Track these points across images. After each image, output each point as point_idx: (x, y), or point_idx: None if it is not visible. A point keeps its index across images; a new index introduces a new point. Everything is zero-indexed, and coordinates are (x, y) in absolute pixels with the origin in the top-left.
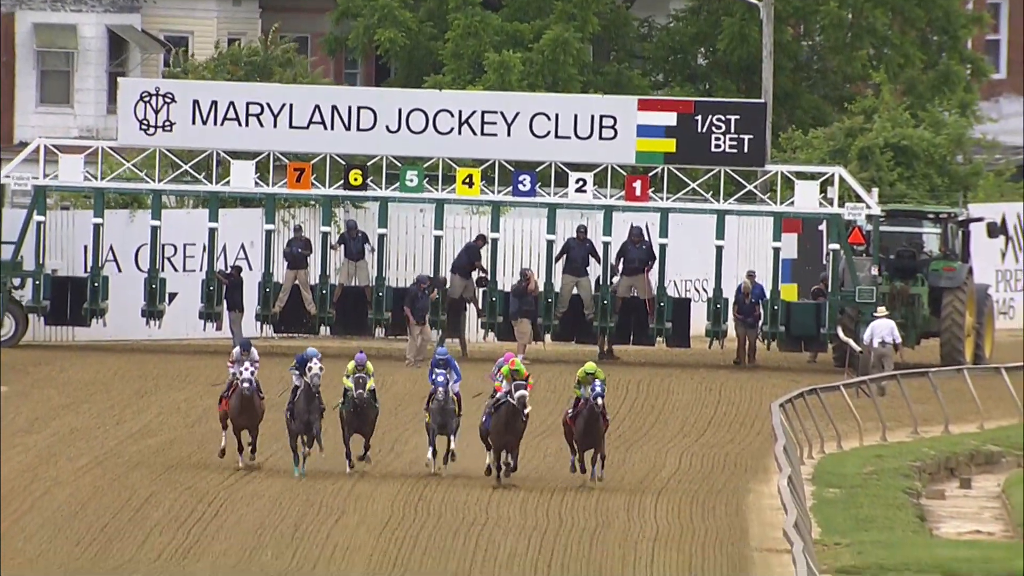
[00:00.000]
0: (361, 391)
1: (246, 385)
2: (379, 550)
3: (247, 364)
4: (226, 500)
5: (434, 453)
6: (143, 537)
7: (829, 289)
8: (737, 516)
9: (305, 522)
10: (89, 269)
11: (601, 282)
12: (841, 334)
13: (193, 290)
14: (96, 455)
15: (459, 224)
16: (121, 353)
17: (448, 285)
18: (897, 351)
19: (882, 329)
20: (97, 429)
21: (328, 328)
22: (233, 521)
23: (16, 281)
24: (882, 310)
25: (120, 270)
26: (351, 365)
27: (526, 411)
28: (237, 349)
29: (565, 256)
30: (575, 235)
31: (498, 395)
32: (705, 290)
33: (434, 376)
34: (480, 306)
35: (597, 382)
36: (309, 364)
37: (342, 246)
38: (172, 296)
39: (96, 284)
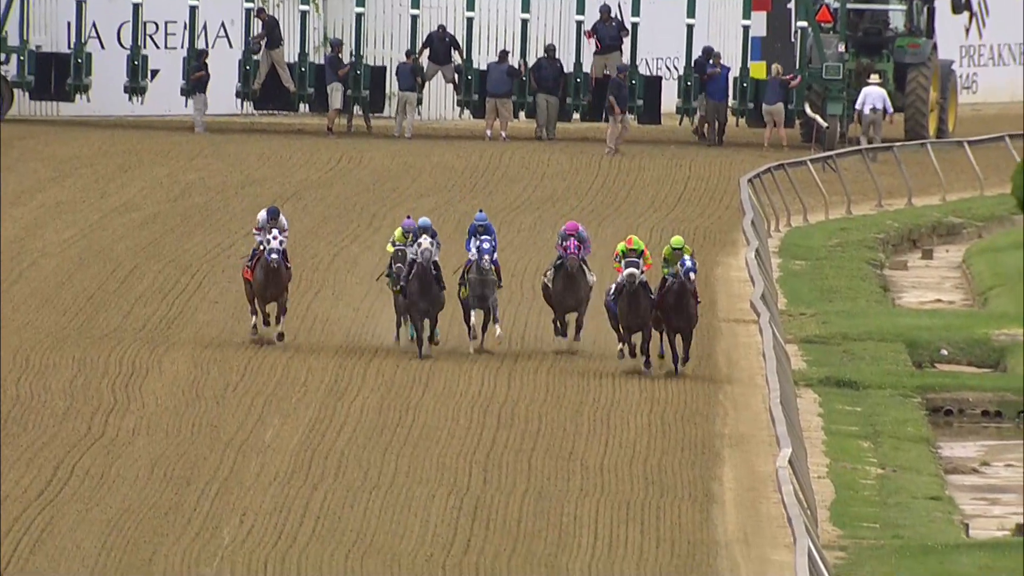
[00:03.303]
0: (400, 266)
1: (273, 256)
2: (363, 311)
3: (275, 232)
4: (208, 273)
5: (471, 331)
6: (128, 307)
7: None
8: (706, 287)
9: (288, 293)
10: (72, 45)
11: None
12: (808, 110)
13: (175, 67)
14: (81, 228)
15: (435, 4)
16: (104, 128)
17: (425, 71)
18: (887, 118)
19: (874, 96)
20: (82, 203)
21: (307, 105)
22: (216, 293)
23: (1, 57)
24: (875, 77)
25: (103, 47)
26: (397, 232)
27: (652, 295)
28: (264, 214)
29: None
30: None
31: (620, 277)
32: (676, 68)
33: (476, 243)
34: (456, 84)
35: (687, 257)
36: (420, 240)
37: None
38: (154, 73)
39: (80, 60)
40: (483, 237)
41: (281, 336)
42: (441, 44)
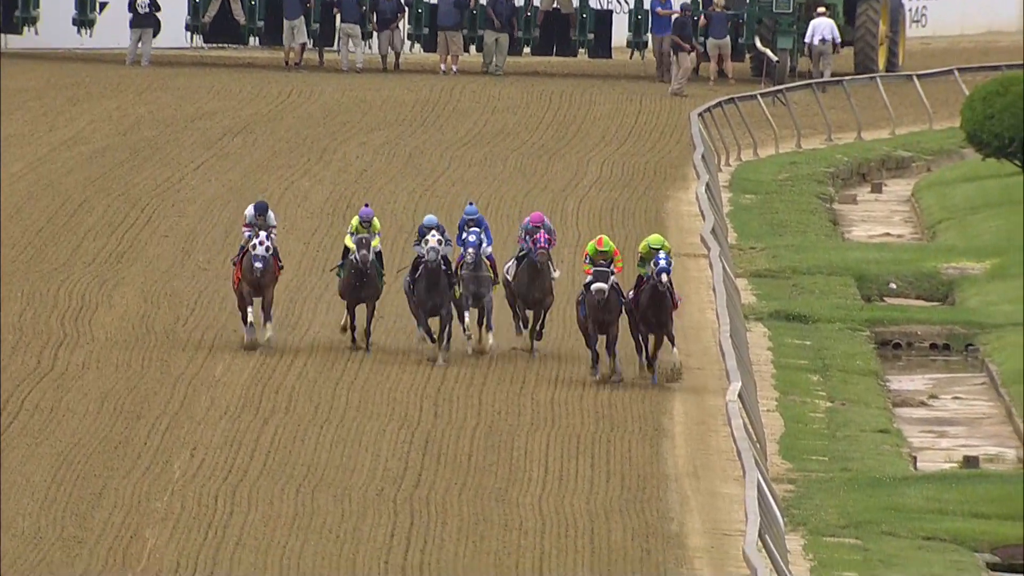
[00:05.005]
0: (365, 252)
1: (258, 265)
2: (313, 245)
3: (263, 235)
4: (158, 207)
5: (465, 330)
6: (77, 241)
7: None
8: (656, 222)
9: (236, 228)
10: None
11: None
12: (758, 44)
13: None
14: (30, 161)
15: None
16: (53, 61)
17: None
18: (836, 50)
19: (822, 27)
20: (30, 136)
21: (257, 39)
22: (166, 227)
23: None
24: (822, 9)
25: None
26: (355, 221)
27: (623, 298)
28: (251, 210)
29: None
30: None
31: (587, 279)
32: (626, 2)
33: (463, 237)
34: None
35: (662, 255)
36: (427, 237)
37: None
38: (103, 5)
39: None
40: (472, 230)
41: (265, 324)
42: (388, 4)
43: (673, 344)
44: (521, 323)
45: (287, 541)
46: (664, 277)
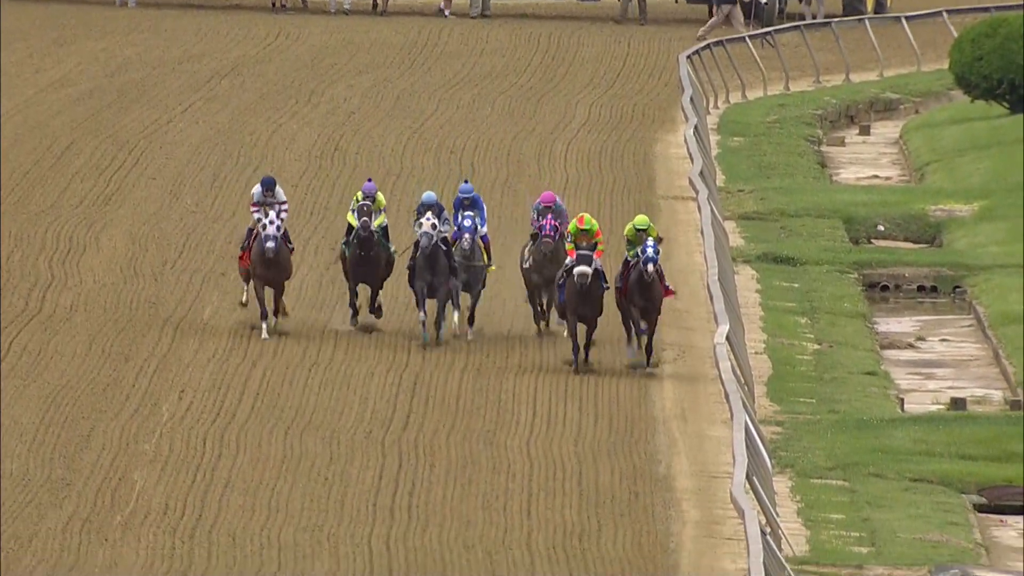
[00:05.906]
0: (366, 219)
1: (270, 245)
2: (301, 187)
3: (272, 214)
4: (146, 149)
5: (459, 314)
6: (65, 184)
7: None
8: (644, 165)
9: (224, 171)
10: None
11: None
12: None
13: None
14: (16, 103)
15: None
16: (39, 2)
17: None
18: None
19: None
20: (17, 78)
21: None
22: (153, 170)
23: None
24: None
25: None
26: (358, 196)
27: (605, 284)
28: (258, 188)
29: None
30: None
31: (568, 261)
32: None
33: (459, 220)
34: None
35: (650, 242)
36: (421, 220)
37: None
38: None
39: None
40: (467, 214)
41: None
42: None
43: (650, 352)
44: (538, 310)
45: (275, 483)
46: (651, 267)
